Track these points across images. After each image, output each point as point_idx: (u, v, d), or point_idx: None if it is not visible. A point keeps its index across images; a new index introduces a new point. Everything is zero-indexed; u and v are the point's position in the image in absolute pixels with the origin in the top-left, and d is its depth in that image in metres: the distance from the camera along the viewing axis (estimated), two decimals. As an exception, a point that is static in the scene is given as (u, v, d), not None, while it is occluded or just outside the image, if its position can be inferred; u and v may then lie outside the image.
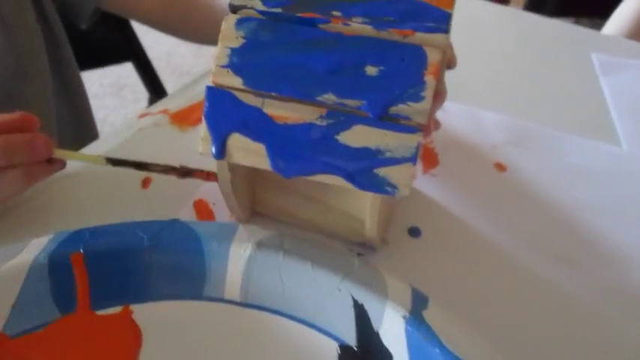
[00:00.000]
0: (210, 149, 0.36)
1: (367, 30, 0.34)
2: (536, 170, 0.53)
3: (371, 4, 0.35)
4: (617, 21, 0.99)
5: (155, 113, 0.55)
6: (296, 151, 0.35)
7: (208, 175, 0.43)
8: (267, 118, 0.35)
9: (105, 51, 1.00)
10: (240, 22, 0.35)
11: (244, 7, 0.36)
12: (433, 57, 0.33)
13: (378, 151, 0.34)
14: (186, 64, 2.10)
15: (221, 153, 0.36)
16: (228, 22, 0.35)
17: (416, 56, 0.34)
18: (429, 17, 0.34)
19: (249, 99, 0.35)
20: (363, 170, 0.35)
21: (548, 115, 0.61)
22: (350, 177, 0.35)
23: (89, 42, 0.83)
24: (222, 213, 0.45)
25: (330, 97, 0.34)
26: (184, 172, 0.43)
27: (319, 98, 0.34)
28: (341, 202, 0.42)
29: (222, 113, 0.35)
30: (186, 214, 0.44)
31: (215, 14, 0.68)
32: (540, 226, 0.47)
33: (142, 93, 1.90)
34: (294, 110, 0.34)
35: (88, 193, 0.45)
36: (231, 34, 0.35)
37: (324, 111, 0.34)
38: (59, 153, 0.41)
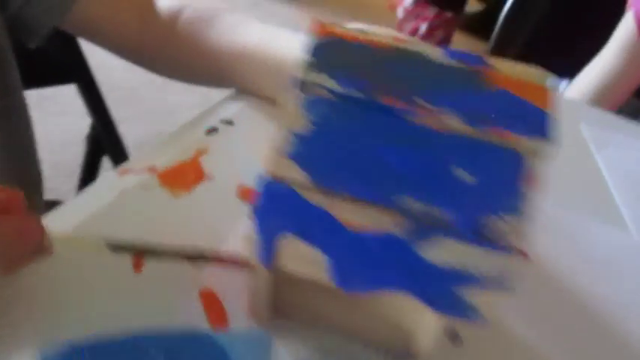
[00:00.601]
0: (256, 253, 0.29)
1: (459, 126, 0.29)
2: (557, 258, 0.50)
3: (464, 95, 0.30)
4: (581, 86, 1.01)
5: (139, 170, 0.47)
6: (365, 263, 0.29)
7: (232, 263, 0.36)
8: (334, 223, 0.29)
9: (46, 71, 0.88)
10: (309, 104, 0.29)
11: (315, 85, 0.30)
12: (532, 165, 0.29)
13: (463, 270, 0.29)
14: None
15: (270, 259, 0.29)
16: (295, 102, 0.29)
17: (514, 163, 0.29)
18: (529, 118, 0.30)
19: (314, 197, 0.29)
20: (442, 290, 0.29)
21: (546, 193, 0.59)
22: (425, 296, 0.29)
23: (29, 61, 0.73)
24: (234, 308, 0.37)
25: (411, 203, 0.28)
26: (199, 258, 0.36)
27: (398, 203, 0.29)
28: (387, 310, 0.36)
29: (278, 211, 0.29)
30: (190, 307, 0.37)
31: (200, 50, 0.60)
32: (571, 322, 0.44)
33: (67, 105, 1.76)
34: (368, 215, 0.29)
35: (69, 276, 0.37)
36: (298, 117, 0.29)
37: (403, 219, 0.29)
38: (50, 237, 0.32)
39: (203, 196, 0.46)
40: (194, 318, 0.36)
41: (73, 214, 0.42)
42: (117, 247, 0.34)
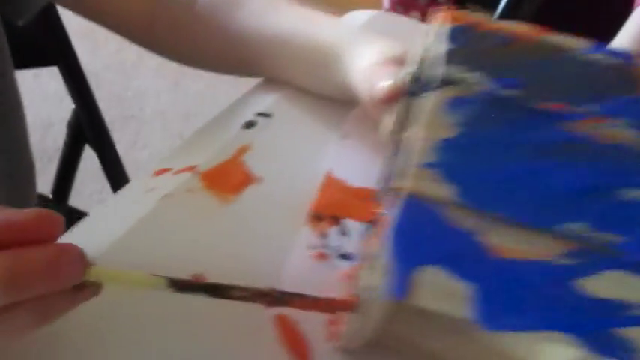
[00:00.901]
0: (388, 283, 0.24)
1: (629, 136, 0.25)
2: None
3: (627, 99, 0.26)
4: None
5: (179, 171, 0.41)
6: (516, 298, 0.25)
7: (320, 307, 0.31)
8: (485, 250, 0.24)
9: (28, 52, 0.79)
10: (454, 104, 0.24)
11: (462, 81, 0.24)
12: None
13: (627, 306, 0.25)
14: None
15: (405, 291, 0.24)
16: (437, 101, 0.24)
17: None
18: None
19: (463, 220, 0.24)
20: (597, 328, 0.25)
21: None
22: (581, 336, 0.25)
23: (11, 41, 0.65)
24: (313, 336, 0.32)
25: (576, 228, 0.24)
26: (279, 301, 0.30)
27: (560, 228, 0.24)
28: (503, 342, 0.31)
29: (421, 236, 0.24)
30: (262, 333, 0.31)
31: (223, 33, 0.53)
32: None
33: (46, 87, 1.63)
34: (526, 242, 0.24)
35: (107, 307, 0.31)
36: (441, 119, 0.24)
37: (568, 247, 0.24)
38: (95, 274, 0.26)
39: (255, 202, 0.40)
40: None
41: (107, 224, 0.36)
42: (183, 286, 0.28)
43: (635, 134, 0.25)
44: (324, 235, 0.38)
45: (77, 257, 0.25)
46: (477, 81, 0.25)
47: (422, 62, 0.28)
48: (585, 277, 0.24)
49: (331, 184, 0.42)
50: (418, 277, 0.24)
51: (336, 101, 0.50)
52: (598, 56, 0.27)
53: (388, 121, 0.36)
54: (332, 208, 0.39)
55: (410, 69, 0.31)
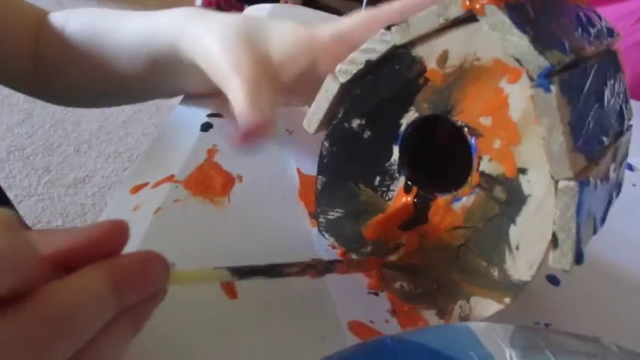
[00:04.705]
0: (572, 257, 0.26)
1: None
2: None
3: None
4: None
5: (158, 183, 0.39)
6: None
7: (361, 264, 0.31)
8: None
9: None
10: (563, 87, 0.26)
11: (556, 63, 0.26)
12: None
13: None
14: None
15: (583, 255, 0.26)
16: (556, 91, 0.25)
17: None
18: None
19: (594, 174, 0.27)
20: None
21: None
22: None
23: None
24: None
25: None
26: (324, 269, 0.31)
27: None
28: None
29: (584, 206, 0.26)
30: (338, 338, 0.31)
31: (98, 63, 0.46)
32: None
33: None
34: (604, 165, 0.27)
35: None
36: (564, 106, 0.26)
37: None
38: (175, 277, 0.24)
39: (246, 199, 0.39)
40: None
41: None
42: (243, 273, 0.27)
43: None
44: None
45: (162, 261, 0.23)
46: (561, 58, 0.26)
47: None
48: None
49: (307, 182, 0.42)
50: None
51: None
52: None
53: (318, 113, 0.34)
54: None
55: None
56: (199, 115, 0.47)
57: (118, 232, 0.22)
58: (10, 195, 0.64)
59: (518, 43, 0.25)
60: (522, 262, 0.27)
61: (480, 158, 0.28)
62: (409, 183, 0.32)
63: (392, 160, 0.33)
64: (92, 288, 0.20)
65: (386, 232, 0.33)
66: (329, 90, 0.32)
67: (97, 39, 0.45)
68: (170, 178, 0.39)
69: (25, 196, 1.52)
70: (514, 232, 0.28)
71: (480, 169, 0.29)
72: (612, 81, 0.30)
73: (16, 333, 0.17)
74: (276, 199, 0.40)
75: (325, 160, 0.35)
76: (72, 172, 1.63)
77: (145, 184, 0.39)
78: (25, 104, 1.86)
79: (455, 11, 0.27)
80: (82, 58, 0.46)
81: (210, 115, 0.47)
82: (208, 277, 0.27)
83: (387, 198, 0.33)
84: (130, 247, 0.28)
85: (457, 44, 0.28)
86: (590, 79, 0.27)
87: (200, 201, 0.38)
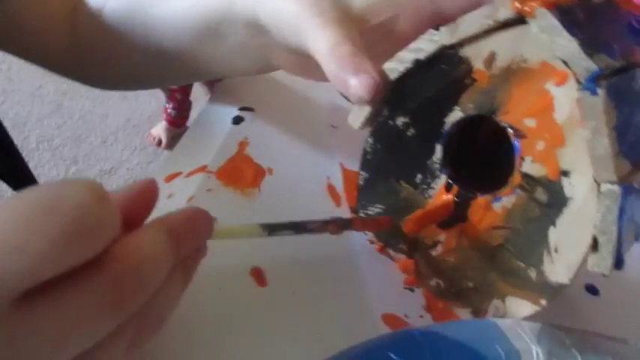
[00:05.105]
0: (611, 262, 0.26)
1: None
2: None
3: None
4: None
5: (191, 173, 0.39)
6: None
7: (375, 222, 0.34)
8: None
9: None
10: (609, 91, 0.26)
11: (604, 67, 0.26)
12: None
13: None
14: None
15: (623, 261, 0.26)
16: (603, 95, 0.26)
17: None
18: None
19: (635, 180, 0.26)
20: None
21: None
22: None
23: None
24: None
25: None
26: (343, 225, 0.32)
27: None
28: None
29: (627, 212, 0.26)
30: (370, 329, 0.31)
31: (136, 43, 0.44)
32: None
33: None
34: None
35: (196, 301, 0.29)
36: (611, 110, 0.26)
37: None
38: (215, 233, 0.25)
39: (276, 191, 0.40)
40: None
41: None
42: (272, 229, 0.28)
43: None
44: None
45: (207, 216, 0.24)
46: (608, 62, 0.26)
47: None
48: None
49: (349, 177, 0.43)
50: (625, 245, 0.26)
51: (311, 87, 0.50)
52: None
53: (363, 110, 0.33)
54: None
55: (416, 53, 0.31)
56: (231, 108, 0.48)
57: (152, 187, 0.23)
58: (39, 184, 0.64)
59: (567, 45, 0.25)
60: (561, 264, 0.27)
61: (522, 159, 0.28)
62: (450, 182, 0.32)
63: (434, 158, 0.33)
64: (157, 243, 0.20)
65: (424, 227, 0.33)
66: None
67: (138, 16, 0.45)
68: (203, 169, 0.39)
69: (53, 185, 1.53)
70: (554, 234, 0.27)
71: (522, 170, 0.28)
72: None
73: (103, 289, 0.18)
74: (305, 192, 0.41)
75: (368, 157, 0.35)
76: (98, 163, 1.64)
77: (179, 174, 0.40)
78: (56, 96, 1.89)
79: (504, 13, 0.27)
80: (123, 36, 0.45)
81: (241, 109, 0.47)
82: (242, 233, 0.28)
83: (427, 196, 0.33)
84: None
85: (505, 46, 0.28)
86: (639, 84, 0.28)
87: (231, 191, 0.38)
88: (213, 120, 0.47)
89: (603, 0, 0.30)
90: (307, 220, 0.30)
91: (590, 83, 0.25)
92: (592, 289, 0.40)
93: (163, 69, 0.45)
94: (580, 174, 0.27)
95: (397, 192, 0.35)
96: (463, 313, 0.31)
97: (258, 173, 0.41)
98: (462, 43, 0.29)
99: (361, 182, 0.36)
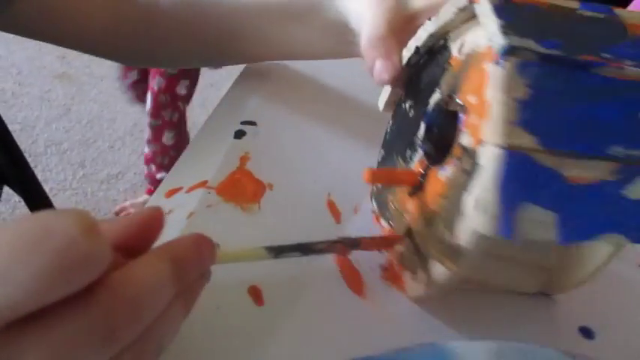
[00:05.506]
0: (496, 225, 0.27)
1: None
2: None
3: (626, 45, 0.31)
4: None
5: (191, 188, 0.41)
6: (583, 214, 0.29)
7: (384, 241, 0.36)
8: (564, 182, 0.28)
9: None
10: (521, 68, 0.28)
11: (522, 48, 0.28)
12: None
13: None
14: None
15: (511, 229, 0.28)
16: (509, 67, 0.28)
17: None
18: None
19: (546, 161, 0.28)
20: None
21: None
22: (628, 232, 0.30)
23: None
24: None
25: (619, 150, 0.29)
26: (351, 245, 0.34)
27: (610, 152, 0.29)
28: (529, 255, 0.35)
29: (517, 180, 0.28)
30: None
31: (199, 23, 0.49)
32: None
33: None
34: (589, 169, 0.29)
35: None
36: (515, 83, 0.28)
37: (615, 166, 0.29)
38: (218, 257, 0.27)
39: (276, 207, 0.41)
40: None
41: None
42: (278, 251, 0.30)
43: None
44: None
45: (210, 242, 0.25)
46: (534, 47, 0.28)
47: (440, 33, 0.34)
48: (626, 187, 0.29)
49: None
50: (520, 216, 0.28)
51: (313, 102, 0.51)
52: (590, 12, 0.32)
53: (386, 93, 0.40)
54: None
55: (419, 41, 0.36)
56: (233, 122, 0.49)
57: (158, 216, 0.23)
58: (46, 188, 0.67)
59: (489, 24, 0.29)
60: (466, 229, 0.29)
61: (462, 132, 0.31)
62: (424, 155, 0.36)
63: (418, 134, 0.37)
64: (157, 273, 0.21)
65: (381, 182, 0.39)
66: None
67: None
68: (204, 184, 0.41)
69: (60, 189, 1.57)
70: (465, 200, 0.29)
71: (460, 141, 0.31)
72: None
73: (94, 320, 0.18)
74: (305, 208, 0.42)
75: (387, 137, 0.42)
76: (105, 167, 1.67)
77: (180, 189, 0.41)
78: (65, 100, 1.92)
79: (462, 1, 0.32)
80: (177, 19, 0.49)
81: (243, 123, 0.49)
82: (247, 256, 0.29)
83: (409, 168, 0.37)
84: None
85: (469, 34, 0.33)
86: (598, 86, 0.29)
87: (231, 207, 0.40)
88: (215, 134, 0.48)
89: (604, 17, 0.32)
90: (314, 241, 0.31)
91: (500, 57, 0.28)
92: (587, 333, 0.39)
93: (225, 50, 0.51)
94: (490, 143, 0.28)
95: (395, 167, 0.39)
96: (408, 278, 0.35)
97: (259, 189, 0.42)
98: (447, 33, 0.34)
99: (379, 159, 0.42)
